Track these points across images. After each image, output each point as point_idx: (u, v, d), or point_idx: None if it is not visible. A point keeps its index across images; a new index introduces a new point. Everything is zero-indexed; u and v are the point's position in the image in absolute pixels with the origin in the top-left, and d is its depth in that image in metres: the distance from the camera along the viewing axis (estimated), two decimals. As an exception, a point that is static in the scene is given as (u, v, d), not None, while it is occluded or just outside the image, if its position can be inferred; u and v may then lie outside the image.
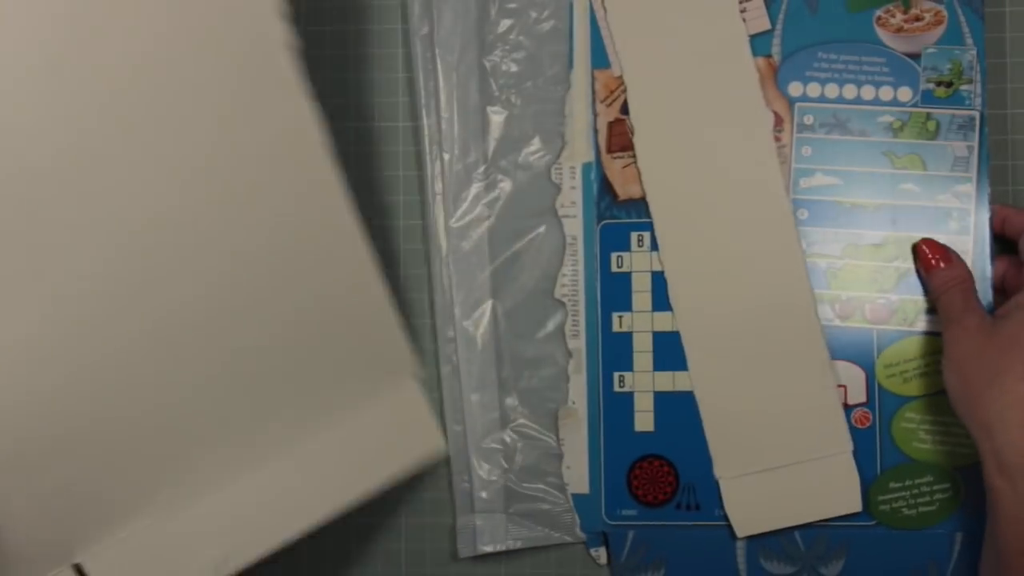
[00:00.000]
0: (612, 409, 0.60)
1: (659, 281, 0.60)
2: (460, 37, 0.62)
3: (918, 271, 0.58)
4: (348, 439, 0.55)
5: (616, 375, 0.60)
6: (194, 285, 0.51)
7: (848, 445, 0.59)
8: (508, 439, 0.61)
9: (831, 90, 0.60)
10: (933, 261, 0.57)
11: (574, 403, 0.60)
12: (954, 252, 0.57)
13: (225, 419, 0.53)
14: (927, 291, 0.58)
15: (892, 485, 0.59)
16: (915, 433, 0.59)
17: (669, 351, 0.60)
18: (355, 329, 0.54)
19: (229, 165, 0.51)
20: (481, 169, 0.62)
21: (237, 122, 0.51)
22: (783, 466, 0.59)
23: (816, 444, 0.59)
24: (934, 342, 0.59)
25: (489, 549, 0.61)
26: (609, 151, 0.61)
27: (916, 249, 0.58)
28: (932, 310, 0.59)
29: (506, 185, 0.62)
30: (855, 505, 0.58)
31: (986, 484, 0.53)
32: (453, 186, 0.62)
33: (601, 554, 0.61)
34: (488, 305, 0.61)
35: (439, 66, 0.62)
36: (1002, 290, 0.58)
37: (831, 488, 0.59)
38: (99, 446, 0.51)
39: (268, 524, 0.53)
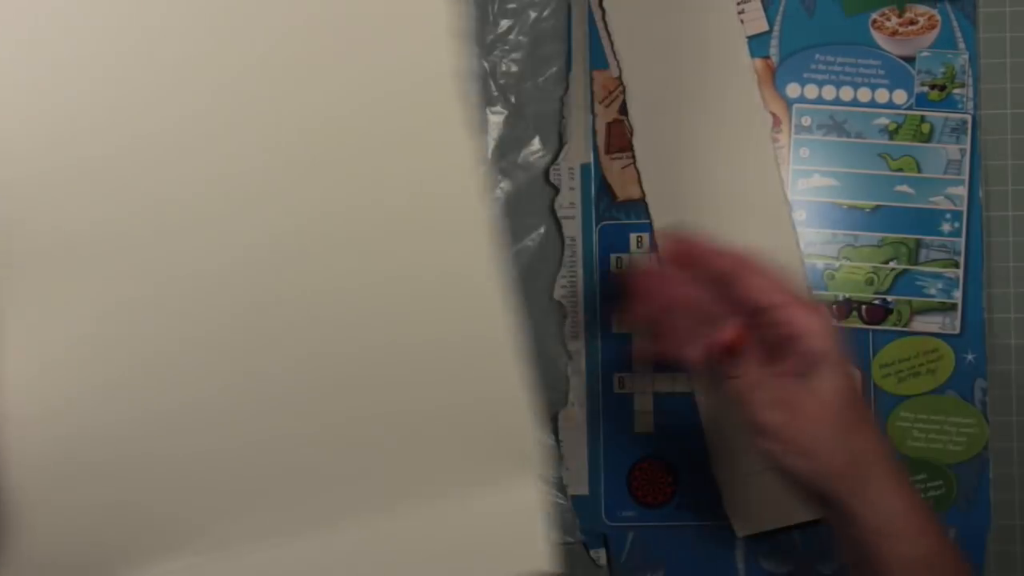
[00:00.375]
0: (612, 410, 0.60)
1: (659, 282, 0.60)
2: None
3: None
4: (441, 524, 0.50)
5: (616, 376, 0.60)
6: (330, 332, 0.49)
7: None
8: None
9: (828, 92, 0.60)
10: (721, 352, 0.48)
11: (573, 404, 0.60)
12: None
13: (308, 471, 0.50)
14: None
15: (888, 483, 0.59)
16: (909, 431, 0.60)
17: (669, 352, 0.60)
18: (482, 406, 0.50)
19: (376, 208, 0.49)
20: (480, 170, 0.61)
21: (393, 162, 0.49)
22: None
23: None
24: (928, 342, 0.59)
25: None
26: (608, 152, 0.61)
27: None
28: (926, 311, 0.59)
29: (505, 185, 0.61)
30: None
31: (863, 535, 0.47)
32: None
33: (601, 555, 0.61)
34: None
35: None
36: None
37: None
38: (172, 473, 0.49)
39: None
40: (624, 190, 0.60)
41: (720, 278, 0.47)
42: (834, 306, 0.60)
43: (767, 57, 0.60)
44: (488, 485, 0.50)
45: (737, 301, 0.47)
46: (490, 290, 0.49)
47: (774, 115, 0.60)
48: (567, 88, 0.61)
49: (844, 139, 0.60)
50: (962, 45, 0.60)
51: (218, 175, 0.48)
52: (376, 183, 0.49)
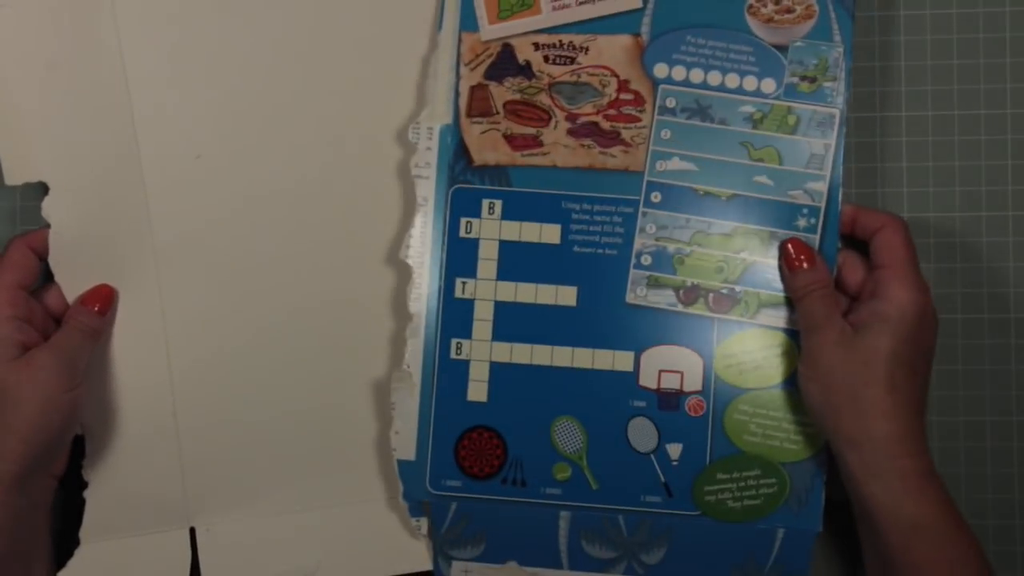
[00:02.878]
0: (446, 376, 0.59)
1: (507, 250, 0.59)
2: None
3: (780, 269, 0.58)
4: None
5: (454, 342, 0.59)
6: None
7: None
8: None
9: (696, 75, 0.59)
10: (797, 262, 0.56)
11: (408, 367, 0.59)
12: (819, 255, 0.57)
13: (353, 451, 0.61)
14: (787, 291, 0.57)
15: (720, 476, 0.58)
16: (747, 425, 0.58)
17: (509, 322, 0.59)
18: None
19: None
20: None
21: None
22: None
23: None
24: (774, 336, 0.58)
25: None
26: (469, 115, 0.60)
27: (782, 247, 0.57)
28: (774, 304, 0.58)
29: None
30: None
31: (855, 492, 0.53)
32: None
33: (422, 524, 0.60)
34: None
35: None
36: (837, 286, 0.58)
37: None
38: (250, 435, 0.60)
39: (360, 556, 0.61)
40: (481, 155, 0.60)
41: (867, 235, 0.57)
42: (681, 291, 0.59)
43: (637, 35, 0.59)
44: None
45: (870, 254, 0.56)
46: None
47: (638, 93, 0.59)
48: (435, 48, 0.60)
49: (707, 124, 0.59)
50: (838, 38, 0.59)
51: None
52: None
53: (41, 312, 0.57)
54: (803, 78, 0.59)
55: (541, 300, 0.59)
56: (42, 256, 0.58)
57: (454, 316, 0.59)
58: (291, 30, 0.60)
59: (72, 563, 0.58)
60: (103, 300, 0.57)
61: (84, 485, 0.58)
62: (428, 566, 0.60)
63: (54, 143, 0.58)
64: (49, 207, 0.57)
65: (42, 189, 0.58)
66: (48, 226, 0.58)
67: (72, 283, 0.58)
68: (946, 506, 0.52)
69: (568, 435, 0.59)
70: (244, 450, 0.60)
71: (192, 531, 0.60)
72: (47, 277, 0.58)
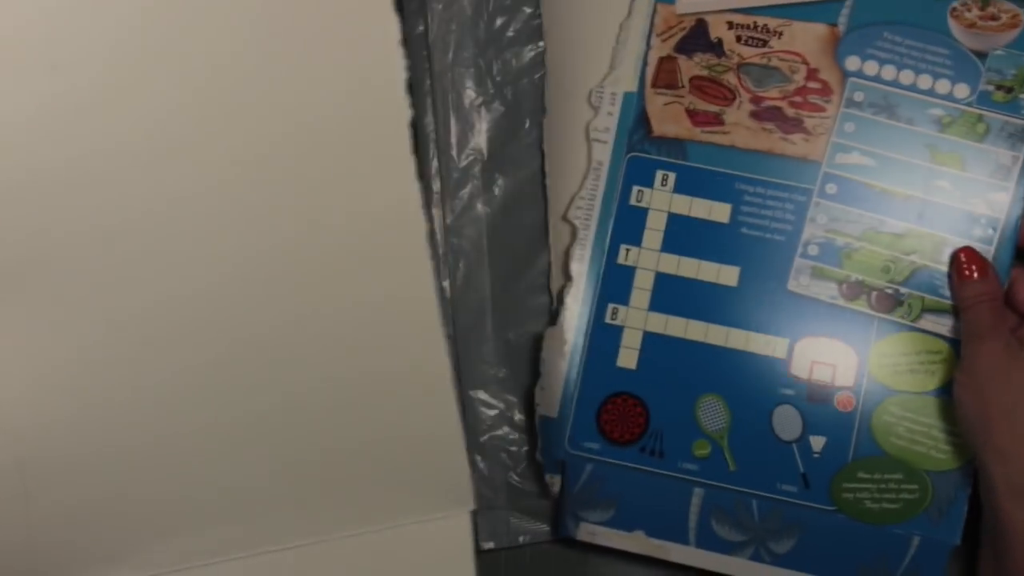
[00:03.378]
0: (598, 339, 0.60)
1: (674, 223, 0.60)
2: (454, 36, 0.62)
3: (950, 276, 0.57)
4: (381, 550, 0.54)
5: (610, 307, 0.60)
6: (277, 361, 0.52)
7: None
8: (510, 435, 0.62)
9: (888, 72, 0.59)
10: (968, 271, 0.56)
11: (560, 326, 0.60)
12: (991, 266, 0.56)
13: (250, 494, 0.53)
14: (955, 299, 0.57)
15: (860, 475, 0.58)
16: (895, 428, 0.58)
17: (668, 294, 0.59)
18: (421, 441, 0.54)
19: (326, 230, 0.51)
20: (477, 168, 0.62)
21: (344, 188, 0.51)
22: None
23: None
24: (934, 343, 0.57)
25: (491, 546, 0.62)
26: (654, 85, 0.60)
27: (954, 256, 0.57)
28: (939, 311, 0.57)
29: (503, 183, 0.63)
30: None
31: (993, 506, 0.53)
32: (450, 185, 0.62)
33: (556, 481, 0.60)
34: (488, 305, 0.62)
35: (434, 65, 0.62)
36: (1007, 302, 0.57)
37: None
38: (114, 484, 0.51)
39: None
40: (662, 126, 0.60)
41: None
42: (844, 285, 0.58)
43: (834, 24, 0.59)
44: (419, 516, 0.54)
45: None
46: (428, 323, 0.53)
47: (826, 83, 0.59)
48: (628, 15, 0.61)
49: (893, 122, 0.58)
50: (1040, 51, 0.58)
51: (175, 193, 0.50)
52: (315, 210, 0.51)
53: None
54: (999, 87, 0.58)
55: (703, 276, 0.59)
56: None
57: (614, 281, 0.60)
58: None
59: None
60: None
61: None
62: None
63: None
64: None
65: None
66: None
67: None
68: None
69: (712, 413, 0.59)
70: (106, 502, 0.51)
71: None
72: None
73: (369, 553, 0.53)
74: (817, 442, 0.58)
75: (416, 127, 0.61)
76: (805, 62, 0.59)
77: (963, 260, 0.56)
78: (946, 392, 0.57)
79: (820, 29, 0.59)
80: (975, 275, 0.55)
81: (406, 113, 0.51)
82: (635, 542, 0.60)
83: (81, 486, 0.51)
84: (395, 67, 0.51)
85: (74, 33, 0.49)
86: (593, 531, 0.60)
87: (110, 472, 0.51)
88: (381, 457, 0.53)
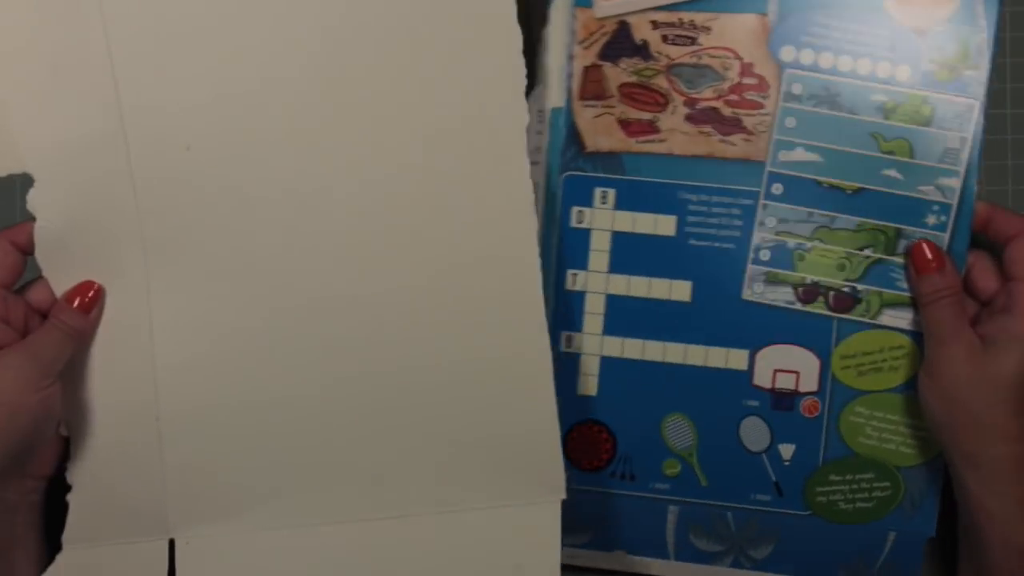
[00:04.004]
0: (556, 369, 0.58)
1: (619, 242, 0.57)
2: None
3: (907, 271, 0.55)
4: (477, 527, 0.56)
5: (564, 335, 0.58)
6: (396, 347, 0.55)
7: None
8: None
9: (825, 59, 0.56)
10: (925, 265, 0.54)
11: (517, 358, 0.58)
12: (949, 259, 0.54)
13: (361, 463, 0.55)
14: (914, 294, 0.55)
15: (832, 477, 0.57)
16: (862, 428, 0.57)
17: (621, 316, 0.58)
18: (522, 431, 0.55)
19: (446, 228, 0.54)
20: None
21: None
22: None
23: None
24: (896, 338, 0.56)
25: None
26: (581, 98, 0.57)
27: (909, 251, 0.55)
28: (898, 305, 0.56)
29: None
30: None
31: (969, 508, 0.53)
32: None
33: (529, 512, 0.60)
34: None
35: None
36: (966, 288, 0.55)
37: None
38: (241, 443, 0.55)
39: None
40: (594, 140, 0.57)
41: (1001, 239, 0.54)
42: (800, 289, 0.57)
43: (763, 14, 0.56)
44: (515, 502, 0.55)
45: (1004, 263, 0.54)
46: (533, 315, 0.53)
47: (762, 78, 0.56)
48: (546, 24, 0.57)
49: (835, 112, 0.56)
50: (983, 22, 0.55)
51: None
52: (439, 208, 0.54)
53: (23, 310, 0.54)
54: (942, 65, 0.55)
55: (654, 294, 0.57)
56: (26, 251, 0.54)
57: (565, 308, 0.58)
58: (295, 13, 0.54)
59: (52, 568, 0.54)
60: (86, 297, 0.54)
61: (68, 488, 0.55)
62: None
63: (39, 134, 0.53)
64: (35, 200, 0.53)
65: (17, 182, 0.55)
66: (33, 219, 0.54)
67: (60, 278, 0.54)
68: None
69: (679, 432, 0.58)
70: (233, 459, 0.55)
71: (171, 543, 0.56)
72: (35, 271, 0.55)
73: (467, 529, 0.56)
74: (786, 450, 0.58)
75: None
76: (738, 57, 0.56)
77: (919, 253, 0.54)
78: (911, 388, 0.56)
79: (750, 20, 0.56)
80: (934, 268, 0.54)
81: (524, 117, 0.53)
82: (616, 561, 0.60)
83: (214, 439, 0.55)
84: (517, 73, 0.53)
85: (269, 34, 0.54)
86: (573, 554, 0.60)
87: (243, 429, 0.55)
88: (486, 444, 0.55)
